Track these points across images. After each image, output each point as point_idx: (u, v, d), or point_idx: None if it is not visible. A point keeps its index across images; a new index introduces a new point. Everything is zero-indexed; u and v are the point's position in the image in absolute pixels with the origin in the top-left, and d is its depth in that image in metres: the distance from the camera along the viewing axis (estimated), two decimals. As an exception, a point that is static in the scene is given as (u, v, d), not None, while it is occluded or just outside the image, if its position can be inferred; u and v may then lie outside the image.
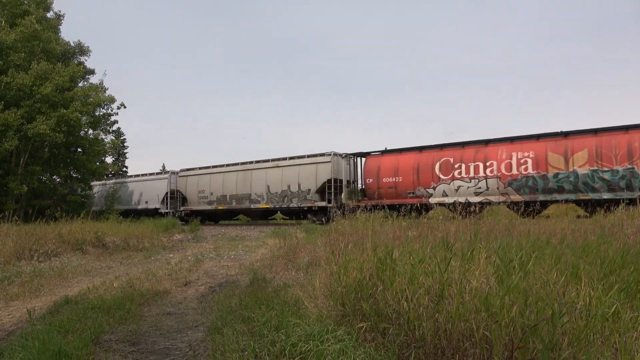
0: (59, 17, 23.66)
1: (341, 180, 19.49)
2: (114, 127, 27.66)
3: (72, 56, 24.11)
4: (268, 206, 21.05)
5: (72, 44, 24.21)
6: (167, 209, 25.45)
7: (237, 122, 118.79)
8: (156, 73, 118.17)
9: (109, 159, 32.52)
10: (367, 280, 3.53)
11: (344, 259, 4.13)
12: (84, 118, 21.36)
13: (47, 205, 21.68)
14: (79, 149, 23.05)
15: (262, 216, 23.07)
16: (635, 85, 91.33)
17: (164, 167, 50.85)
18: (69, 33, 72.92)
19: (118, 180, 29.88)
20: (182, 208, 25.09)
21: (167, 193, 25.66)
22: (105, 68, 68.30)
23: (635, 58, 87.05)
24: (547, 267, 3.65)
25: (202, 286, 6.67)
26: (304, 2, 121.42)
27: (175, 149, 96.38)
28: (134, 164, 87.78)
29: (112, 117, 24.57)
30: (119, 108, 23.92)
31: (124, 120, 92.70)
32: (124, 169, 42.70)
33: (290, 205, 20.23)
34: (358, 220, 9.53)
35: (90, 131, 23.41)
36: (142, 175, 28.52)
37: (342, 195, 19.11)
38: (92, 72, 25.04)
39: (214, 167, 24.10)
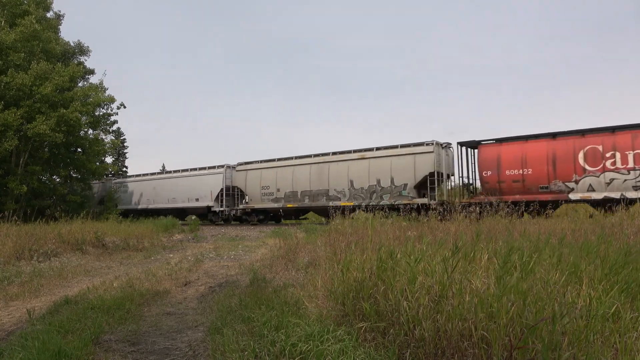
0: (58, 17, 23.68)
1: (441, 174, 17.07)
2: (114, 127, 27.59)
3: (72, 56, 24.11)
4: (352, 203, 18.20)
5: (72, 44, 24.22)
6: (222, 206, 23.08)
7: (237, 122, 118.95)
8: (156, 73, 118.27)
9: (108, 159, 32.45)
10: (368, 280, 3.53)
11: (346, 259, 4.12)
12: (83, 118, 21.35)
13: (47, 205, 21.66)
14: (79, 149, 23.02)
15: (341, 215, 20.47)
16: (635, 85, 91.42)
17: (163, 167, 50.90)
18: (69, 33, 72.98)
19: (160, 175, 27.48)
20: (241, 206, 22.65)
21: (222, 189, 23.14)
22: (105, 68, 68.42)
23: (635, 58, 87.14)
24: (548, 267, 3.64)
25: (202, 286, 6.67)
26: (304, 2, 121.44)
27: (175, 149, 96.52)
28: (134, 164, 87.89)
29: (112, 117, 24.57)
30: (118, 108, 23.95)
31: (124, 120, 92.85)
32: (124, 169, 42.69)
33: (380, 203, 17.48)
34: (358, 220, 9.53)
35: (90, 131, 23.42)
36: (192, 169, 25.59)
37: (444, 190, 17.11)
38: (92, 72, 25.05)
39: (279, 160, 21.63)
